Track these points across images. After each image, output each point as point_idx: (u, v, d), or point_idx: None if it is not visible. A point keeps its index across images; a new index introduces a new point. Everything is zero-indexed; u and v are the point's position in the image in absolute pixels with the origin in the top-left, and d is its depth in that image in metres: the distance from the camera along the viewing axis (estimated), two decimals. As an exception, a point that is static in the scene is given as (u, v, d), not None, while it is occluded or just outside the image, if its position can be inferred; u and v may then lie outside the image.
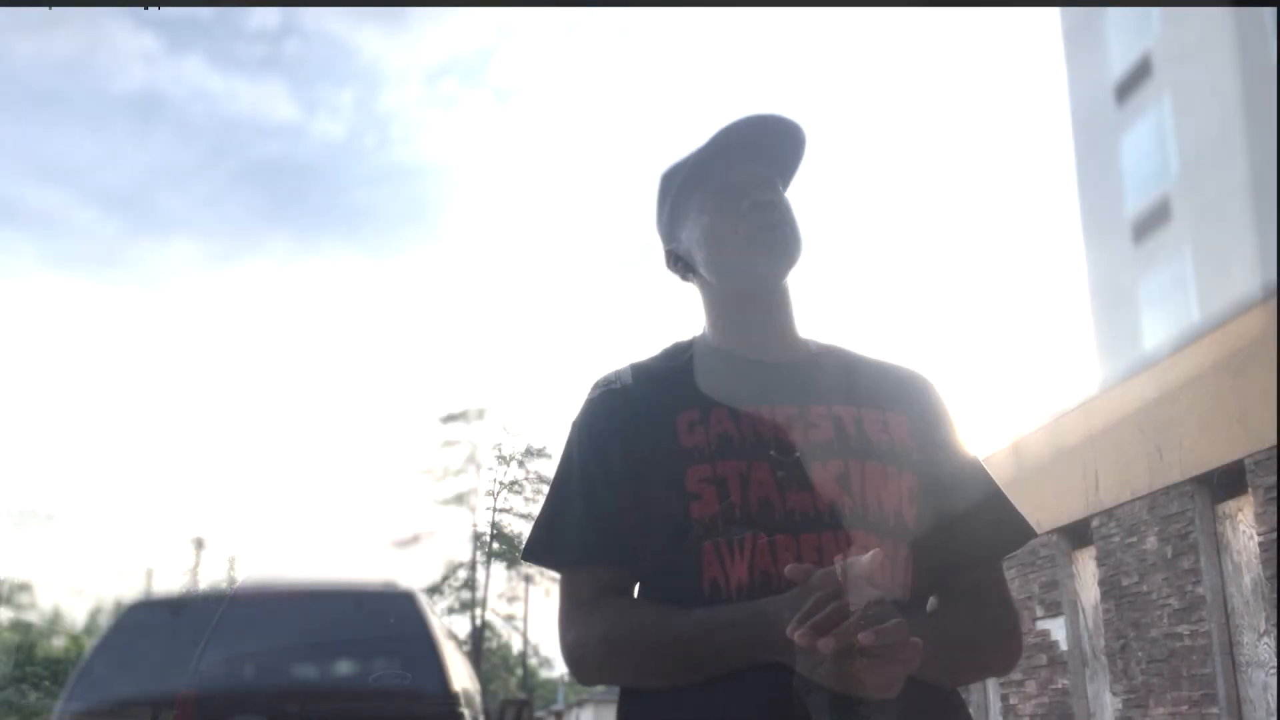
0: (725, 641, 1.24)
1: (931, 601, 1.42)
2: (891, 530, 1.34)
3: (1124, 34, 25.74)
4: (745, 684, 1.26)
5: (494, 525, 35.17)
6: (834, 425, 1.40)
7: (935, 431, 1.46)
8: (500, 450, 35.61)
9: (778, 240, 1.44)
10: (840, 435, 1.39)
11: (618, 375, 1.49)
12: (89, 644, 5.78)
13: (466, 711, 4.89)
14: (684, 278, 1.55)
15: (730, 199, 1.46)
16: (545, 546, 1.44)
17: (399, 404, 66.39)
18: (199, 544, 44.40)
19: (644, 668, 1.32)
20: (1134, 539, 10.07)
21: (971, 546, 1.42)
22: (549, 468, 33.93)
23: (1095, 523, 10.72)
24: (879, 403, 1.45)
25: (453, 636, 6.19)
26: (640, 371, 1.49)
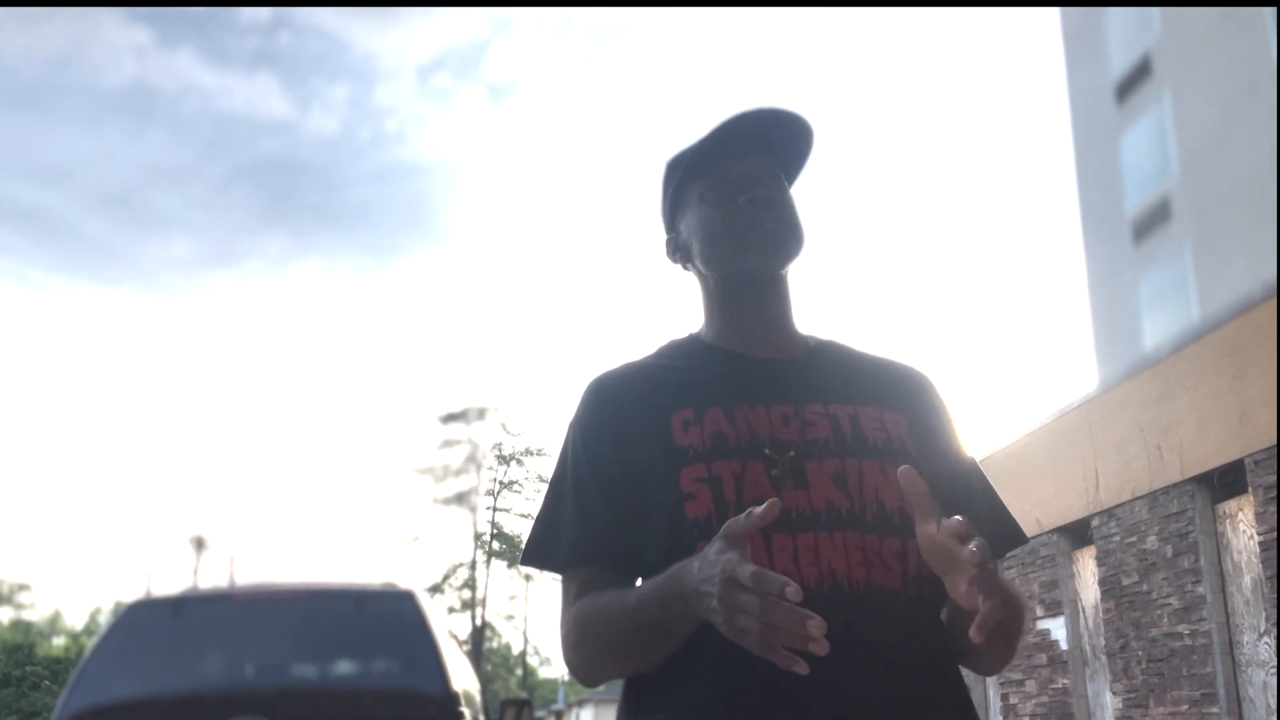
0: (654, 599, 1.24)
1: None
2: (891, 528, 1.33)
3: (1124, 34, 25.73)
4: (741, 689, 1.25)
5: (494, 525, 35.21)
6: (831, 423, 1.39)
7: (933, 429, 1.46)
8: (500, 450, 35.66)
9: (770, 236, 1.43)
10: (837, 433, 1.38)
11: (612, 374, 1.48)
12: (89, 644, 5.77)
13: (466, 711, 4.88)
14: (684, 267, 1.54)
15: (727, 192, 1.45)
16: (540, 550, 1.45)
17: (399, 404, 66.48)
18: (199, 544, 44.47)
19: (607, 642, 1.32)
20: (1134, 539, 10.07)
21: None
22: (549, 467, 33.80)
23: (1095, 523, 10.72)
24: (876, 400, 1.44)
25: (453, 636, 6.18)
26: (635, 370, 1.48)
